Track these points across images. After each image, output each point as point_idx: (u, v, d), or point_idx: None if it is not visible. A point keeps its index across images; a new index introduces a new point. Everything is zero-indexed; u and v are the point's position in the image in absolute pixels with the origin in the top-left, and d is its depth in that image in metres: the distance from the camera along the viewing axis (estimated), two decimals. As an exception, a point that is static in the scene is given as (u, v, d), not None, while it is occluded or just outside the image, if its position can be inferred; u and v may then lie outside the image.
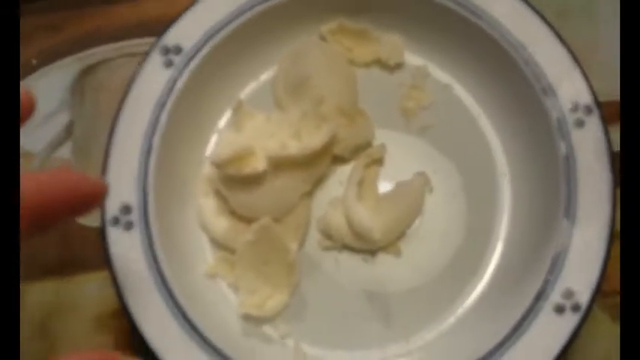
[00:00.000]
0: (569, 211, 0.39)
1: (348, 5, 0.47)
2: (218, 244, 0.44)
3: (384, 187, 0.45)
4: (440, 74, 0.47)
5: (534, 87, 0.42)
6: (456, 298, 0.42)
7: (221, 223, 0.44)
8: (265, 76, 0.49)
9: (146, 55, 0.44)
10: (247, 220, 0.43)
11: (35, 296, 0.46)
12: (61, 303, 0.45)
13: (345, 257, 0.44)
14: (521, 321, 0.38)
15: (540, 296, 0.38)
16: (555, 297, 0.38)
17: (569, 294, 0.38)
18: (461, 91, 0.47)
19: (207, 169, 0.45)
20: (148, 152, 0.42)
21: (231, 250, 0.43)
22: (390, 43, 0.48)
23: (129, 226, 0.40)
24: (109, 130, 0.42)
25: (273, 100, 0.48)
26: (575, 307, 0.37)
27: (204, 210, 0.44)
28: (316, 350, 0.42)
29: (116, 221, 0.40)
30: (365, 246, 0.43)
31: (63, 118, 0.51)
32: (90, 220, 0.48)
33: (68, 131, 0.51)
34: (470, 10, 0.44)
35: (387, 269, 0.43)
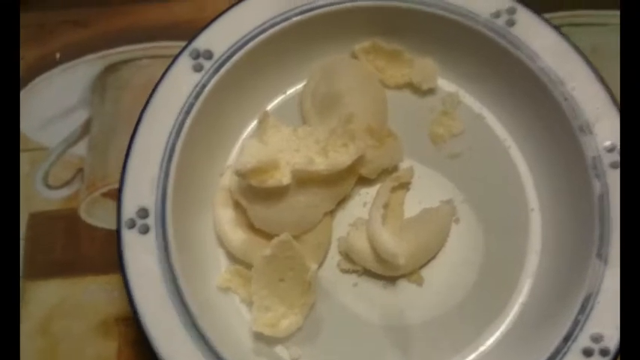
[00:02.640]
0: (602, 252, 0.38)
1: (382, 25, 0.46)
2: (233, 257, 0.43)
3: (409, 212, 0.43)
4: (472, 102, 0.47)
5: (571, 124, 0.41)
6: (478, 334, 0.40)
7: (238, 236, 0.42)
8: (292, 90, 0.48)
9: (176, 56, 0.43)
10: (265, 234, 0.42)
11: (39, 295, 0.44)
12: (65, 304, 0.44)
13: (365, 282, 0.42)
14: (548, 362, 0.36)
15: (569, 338, 0.36)
16: (584, 340, 0.36)
17: (598, 338, 0.36)
18: (493, 121, 0.46)
19: (227, 180, 0.43)
20: (169, 156, 0.41)
21: (246, 264, 0.42)
22: (424, 67, 0.47)
23: (145, 229, 0.39)
24: (133, 129, 0.41)
25: (299, 114, 0.47)
26: (604, 352, 0.36)
27: (221, 221, 0.43)
28: (328, 376, 0.40)
29: (132, 224, 0.39)
30: (387, 272, 0.41)
31: (81, 115, 0.50)
32: (99, 220, 0.46)
33: (85, 128, 0.50)
34: (509, 40, 0.43)
35: (407, 298, 0.42)
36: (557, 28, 0.43)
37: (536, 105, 0.43)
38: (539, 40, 0.43)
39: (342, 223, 0.44)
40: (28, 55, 0.52)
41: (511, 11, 0.44)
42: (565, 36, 0.43)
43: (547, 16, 0.44)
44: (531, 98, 0.44)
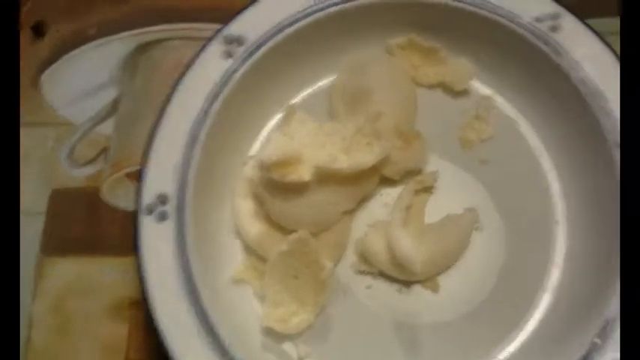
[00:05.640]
0: (628, 275, 0.36)
1: (420, 22, 0.45)
2: (250, 249, 0.42)
3: (431, 217, 0.42)
4: (507, 108, 0.45)
5: (607, 140, 0.39)
6: (492, 347, 0.39)
7: (256, 228, 0.42)
8: (323, 83, 0.47)
9: (207, 41, 0.43)
10: (283, 229, 0.41)
11: (55, 271, 0.44)
12: (80, 282, 0.44)
13: (379, 284, 0.42)
14: (560, 387, 0.35)
15: (584, 363, 0.35)
16: (602, 366, 0.35)
17: (617, 366, 0.35)
18: (526, 129, 0.44)
19: (249, 170, 0.43)
20: (193, 143, 0.40)
21: (262, 258, 0.42)
22: (459, 67, 0.46)
23: (163, 216, 0.39)
24: (158, 112, 0.41)
25: (327, 108, 0.46)
26: (622, 382, 0.35)
27: (240, 212, 0.43)
28: (334, 377, 0.40)
29: (150, 210, 0.39)
30: (402, 276, 0.41)
31: (110, 93, 0.50)
32: (120, 201, 0.47)
33: (113, 107, 0.50)
34: (551, 47, 0.42)
35: (421, 303, 0.41)
36: (602, 37, 0.41)
37: (572, 116, 0.42)
38: (583, 48, 0.41)
39: (362, 224, 0.43)
40: (63, 28, 0.52)
41: (555, 16, 0.42)
42: (610, 46, 0.41)
43: (592, 21, 0.42)
44: (569, 109, 0.42)
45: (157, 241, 0.38)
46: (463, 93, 0.46)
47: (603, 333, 0.36)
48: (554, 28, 0.42)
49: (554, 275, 0.41)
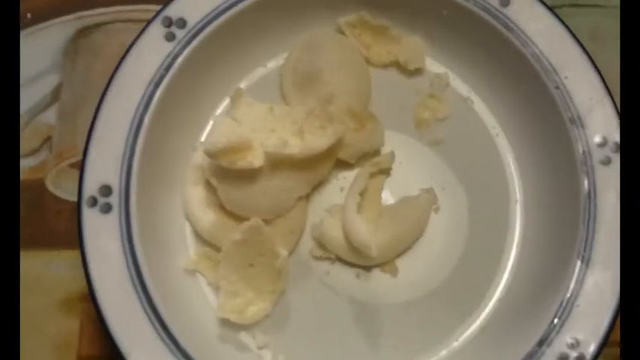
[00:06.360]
0: (585, 253, 0.36)
1: (370, -1, 0.44)
2: (202, 238, 0.41)
3: (388, 199, 0.42)
4: (460, 85, 0.44)
5: (562, 114, 0.39)
6: (452, 330, 0.39)
7: (208, 217, 0.41)
8: (274, 63, 0.45)
9: (147, 24, 0.40)
10: (236, 217, 0.40)
11: (-2, 269, 0.42)
12: (27, 279, 0.42)
13: (337, 270, 0.41)
14: (520, 366, 0.35)
15: (543, 342, 0.35)
16: (560, 345, 0.35)
17: (574, 344, 0.35)
18: (481, 106, 0.44)
19: (199, 157, 0.41)
20: (136, 130, 0.39)
21: (215, 247, 0.40)
22: (412, 45, 0.44)
23: (107, 208, 0.37)
24: (98, 100, 0.39)
25: (279, 90, 0.44)
26: (580, 359, 0.34)
27: (191, 200, 0.41)
28: (294, 365, 0.39)
29: (93, 202, 0.37)
30: (360, 261, 0.40)
31: (52, 80, 0.48)
32: (66, 192, 0.45)
33: (56, 94, 0.47)
34: (502, 22, 0.41)
35: (380, 288, 0.40)
36: (553, 11, 0.41)
37: (526, 92, 0.41)
38: (534, 23, 0.40)
39: (318, 209, 0.42)
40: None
41: (505, -10, 0.41)
42: (561, 20, 0.40)
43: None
44: (522, 85, 0.41)
45: (101, 233, 0.36)
46: (417, 72, 0.45)
47: (561, 314, 0.35)
48: (504, 3, 0.41)
49: (513, 255, 0.41)
